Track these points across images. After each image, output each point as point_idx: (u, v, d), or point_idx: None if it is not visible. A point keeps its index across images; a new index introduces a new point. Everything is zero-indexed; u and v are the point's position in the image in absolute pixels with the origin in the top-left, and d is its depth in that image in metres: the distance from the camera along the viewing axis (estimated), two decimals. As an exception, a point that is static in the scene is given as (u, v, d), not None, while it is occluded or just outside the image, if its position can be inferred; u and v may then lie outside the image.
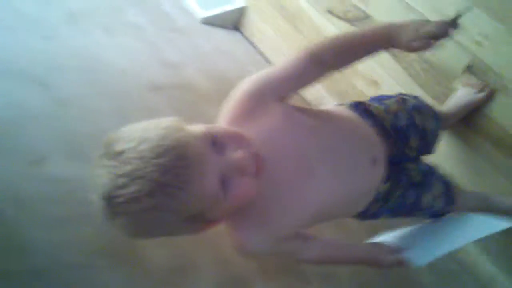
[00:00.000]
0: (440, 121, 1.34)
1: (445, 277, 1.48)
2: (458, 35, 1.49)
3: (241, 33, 2.43)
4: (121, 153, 0.76)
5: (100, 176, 0.77)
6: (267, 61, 2.28)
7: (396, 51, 1.69)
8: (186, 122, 0.90)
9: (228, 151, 0.83)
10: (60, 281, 0.98)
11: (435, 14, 1.58)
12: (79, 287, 1.00)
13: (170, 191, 0.75)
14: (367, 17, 1.83)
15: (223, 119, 0.99)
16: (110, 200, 0.76)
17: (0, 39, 1.55)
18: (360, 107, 1.21)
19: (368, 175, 1.10)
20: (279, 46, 2.26)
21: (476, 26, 1.47)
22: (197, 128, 0.83)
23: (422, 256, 1.12)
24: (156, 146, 0.74)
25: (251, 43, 2.37)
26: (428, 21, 0.98)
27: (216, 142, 0.82)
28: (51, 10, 1.81)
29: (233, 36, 2.37)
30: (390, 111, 1.22)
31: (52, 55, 1.58)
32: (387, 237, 1.28)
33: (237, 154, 0.82)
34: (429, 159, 1.34)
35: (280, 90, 1.01)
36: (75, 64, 1.59)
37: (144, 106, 1.56)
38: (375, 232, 1.30)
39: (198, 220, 0.86)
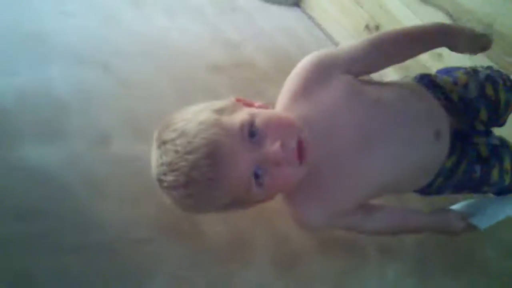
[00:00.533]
0: None
1: (510, 251, 1.42)
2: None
3: (301, 9, 2.40)
4: (164, 142, 0.83)
5: (152, 160, 0.86)
6: (328, 37, 2.25)
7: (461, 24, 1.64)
8: (242, 101, 0.93)
9: (266, 142, 0.83)
10: (126, 255, 1.04)
11: None
12: (143, 261, 1.04)
13: (200, 185, 0.80)
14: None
15: (285, 91, 1.00)
16: (158, 182, 0.85)
17: (63, 24, 1.62)
18: (426, 78, 1.17)
19: (431, 149, 1.07)
20: (340, 22, 2.22)
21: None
22: (237, 118, 0.84)
23: (487, 219, 1.13)
24: (188, 142, 0.79)
25: (312, 19, 2.34)
26: (482, 35, 1.11)
27: (255, 133, 0.83)
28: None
29: (293, 12, 2.35)
30: (459, 82, 1.18)
31: (114, 40, 1.64)
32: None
33: (273, 147, 0.82)
34: (499, 131, 1.29)
35: (346, 66, 1.01)
36: (137, 48, 1.64)
37: (205, 86, 1.59)
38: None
39: (239, 204, 0.90)
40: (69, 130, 1.24)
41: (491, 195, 1.27)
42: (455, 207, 1.24)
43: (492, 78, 1.20)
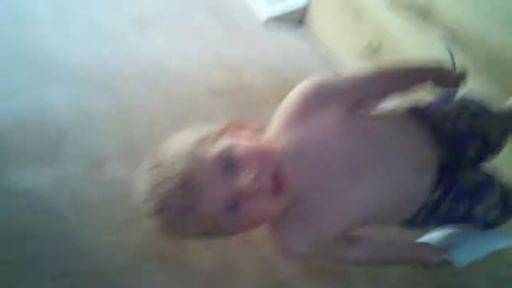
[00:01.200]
0: (510, 127, 1.26)
1: (498, 282, 1.40)
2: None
3: (305, 29, 2.42)
4: (146, 170, 0.85)
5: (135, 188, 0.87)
6: (331, 57, 2.26)
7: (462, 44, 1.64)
8: (234, 125, 0.93)
9: (241, 175, 0.84)
10: (113, 281, 1.05)
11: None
12: (129, 287, 1.06)
13: (173, 215, 0.82)
14: (431, 7, 1.77)
15: (281, 113, 0.98)
16: (139, 208, 0.86)
17: (66, 46, 1.66)
18: (417, 111, 1.17)
19: (416, 183, 1.06)
20: (344, 41, 2.23)
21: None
22: (215, 149, 0.84)
23: (466, 255, 1.10)
24: (163, 172, 0.82)
25: (316, 39, 2.35)
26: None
27: (230, 164, 0.84)
28: (118, 17, 1.91)
29: (298, 33, 2.36)
30: (449, 117, 1.17)
31: (116, 62, 1.67)
32: (431, 236, 1.25)
33: (246, 180, 0.83)
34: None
35: (343, 97, 1.00)
36: (139, 70, 1.68)
37: (202, 110, 1.61)
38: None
39: (219, 233, 0.90)
40: (63, 153, 1.28)
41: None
42: (434, 235, 1.23)
43: (482, 113, 1.19)
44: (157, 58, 1.80)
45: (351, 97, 1.01)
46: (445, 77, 1.12)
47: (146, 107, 1.53)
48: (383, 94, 1.08)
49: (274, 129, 0.98)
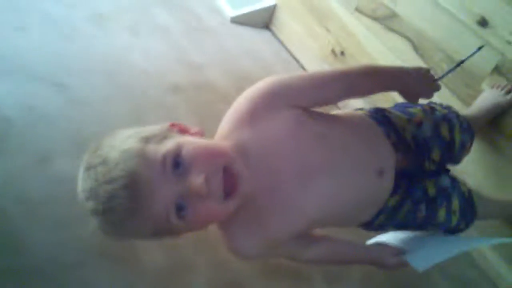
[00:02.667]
0: (473, 133, 1.27)
1: (462, 284, 1.41)
2: (489, 36, 1.44)
3: (271, 32, 2.41)
4: (88, 168, 0.81)
5: (78, 183, 0.83)
6: (296, 60, 2.25)
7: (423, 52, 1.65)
8: (176, 127, 0.90)
9: (190, 175, 0.80)
10: (57, 281, 1.00)
11: (463, 12, 1.52)
12: (74, 286, 1.01)
13: (118, 215, 0.78)
14: (395, 15, 1.79)
15: (230, 115, 0.96)
16: (82, 206, 0.82)
17: (17, 40, 1.59)
18: (379, 114, 1.15)
19: (373, 187, 1.05)
20: (307, 45, 2.23)
21: (508, 25, 1.40)
22: (162, 148, 0.81)
23: (424, 260, 1.08)
24: (107, 171, 0.77)
25: (280, 42, 2.34)
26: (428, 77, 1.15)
27: (179, 164, 0.80)
28: (75, 12, 1.85)
29: (262, 35, 2.35)
30: (413, 120, 1.16)
31: (71, 57, 1.61)
32: (389, 237, 1.24)
33: (196, 181, 0.79)
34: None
35: (298, 99, 0.98)
36: (96, 65, 1.62)
37: (162, 107, 1.57)
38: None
39: (166, 233, 0.86)
40: (9, 148, 1.21)
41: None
42: (393, 236, 1.23)
43: (448, 118, 1.19)
44: (116, 54, 1.75)
45: (307, 98, 0.99)
46: (414, 87, 1.12)
47: (102, 103, 1.47)
48: (343, 97, 1.07)
49: (222, 131, 0.96)
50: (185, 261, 1.14)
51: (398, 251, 1.13)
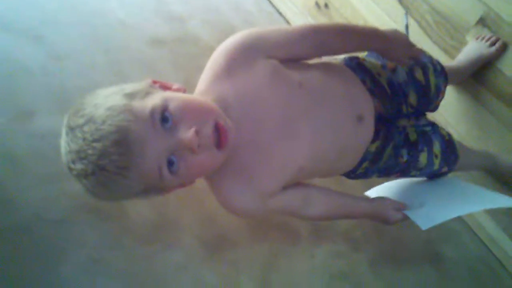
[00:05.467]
0: (447, 77, 1.27)
1: (445, 234, 1.44)
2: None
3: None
4: (72, 129, 0.78)
5: (61, 147, 0.81)
6: (279, 12, 2.21)
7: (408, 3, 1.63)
8: (158, 83, 0.88)
9: (180, 129, 0.80)
10: (43, 237, 0.99)
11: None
12: (62, 243, 1.00)
13: (109, 174, 0.76)
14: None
15: (208, 69, 0.96)
16: (68, 170, 0.81)
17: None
18: (354, 61, 1.16)
19: (354, 133, 1.06)
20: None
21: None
22: (149, 103, 0.79)
23: (428, 218, 1.08)
24: (96, 129, 0.75)
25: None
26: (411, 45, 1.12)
27: (167, 118, 0.79)
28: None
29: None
30: (387, 66, 1.17)
31: (48, 8, 1.55)
32: (387, 191, 1.26)
33: (187, 134, 0.79)
34: (434, 115, 1.29)
35: (272, 51, 0.98)
36: (73, 17, 1.56)
37: (143, 60, 1.53)
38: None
39: (156, 190, 0.87)
40: (-13, 104, 1.17)
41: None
42: (387, 190, 1.24)
43: (422, 63, 1.19)
44: (93, 4, 1.68)
45: (280, 51, 0.99)
46: (397, 49, 1.10)
47: (81, 56, 1.43)
48: (319, 51, 1.06)
49: (202, 85, 0.96)
50: (172, 215, 1.14)
51: (400, 205, 1.14)
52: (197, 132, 0.79)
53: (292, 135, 0.96)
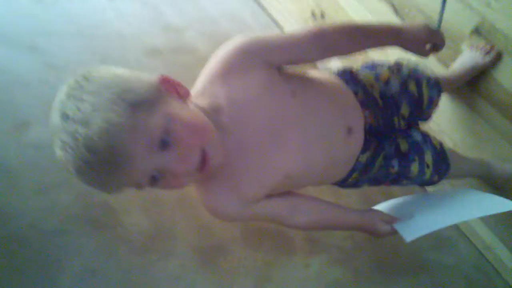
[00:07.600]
0: (441, 88, 1.28)
1: (440, 242, 1.45)
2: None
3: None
4: (66, 117, 0.76)
5: (54, 108, 0.79)
6: (275, 23, 2.22)
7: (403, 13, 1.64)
8: (167, 82, 0.87)
9: (173, 153, 0.81)
10: (37, 247, 1.00)
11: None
12: (55, 253, 1.01)
13: (91, 175, 0.78)
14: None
15: (206, 71, 0.97)
16: (53, 138, 0.79)
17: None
18: (347, 73, 1.17)
19: (343, 145, 1.07)
20: (288, 8, 2.19)
21: (487, -15, 1.40)
22: (151, 122, 0.79)
23: (413, 229, 1.07)
24: (90, 138, 0.74)
25: (258, 4, 2.30)
26: (433, 32, 1.11)
27: (167, 143, 0.80)
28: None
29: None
30: (380, 78, 1.18)
31: (45, 20, 1.56)
32: (382, 205, 1.26)
33: (179, 167, 0.82)
34: (427, 124, 1.29)
35: (273, 57, 0.98)
36: (70, 28, 1.58)
37: (139, 70, 1.53)
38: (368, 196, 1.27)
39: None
40: (-18, 114, 1.18)
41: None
42: (383, 205, 1.24)
43: (415, 74, 1.20)
44: (91, 15, 1.70)
45: (280, 56, 0.99)
46: (415, 42, 1.09)
47: (78, 66, 1.42)
48: (320, 56, 1.05)
49: (199, 87, 0.97)
50: (167, 225, 1.14)
51: (390, 218, 1.14)
52: (186, 162, 0.83)
53: (279, 143, 0.97)
